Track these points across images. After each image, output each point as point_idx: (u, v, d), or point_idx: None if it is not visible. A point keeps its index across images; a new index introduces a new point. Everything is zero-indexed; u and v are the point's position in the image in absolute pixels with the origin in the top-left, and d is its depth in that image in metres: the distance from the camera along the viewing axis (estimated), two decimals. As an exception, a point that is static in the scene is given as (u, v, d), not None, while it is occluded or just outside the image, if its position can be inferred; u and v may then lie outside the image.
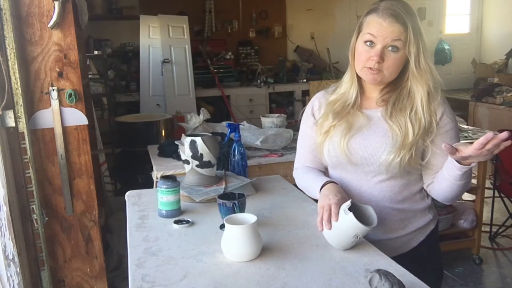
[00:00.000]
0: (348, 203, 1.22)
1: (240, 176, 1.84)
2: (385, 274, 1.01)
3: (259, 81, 5.88)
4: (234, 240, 1.19)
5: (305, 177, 1.52)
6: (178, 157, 2.36)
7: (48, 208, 2.10)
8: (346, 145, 1.40)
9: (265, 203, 1.64)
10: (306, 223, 1.44)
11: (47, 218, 2.09)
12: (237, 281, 1.11)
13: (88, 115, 2.19)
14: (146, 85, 5.26)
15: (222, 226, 1.40)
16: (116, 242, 2.97)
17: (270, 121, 3.00)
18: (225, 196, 1.43)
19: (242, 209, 1.39)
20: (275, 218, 1.50)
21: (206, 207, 1.61)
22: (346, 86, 1.46)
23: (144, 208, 1.62)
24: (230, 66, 5.95)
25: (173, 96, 5.25)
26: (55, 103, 2.03)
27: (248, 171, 1.94)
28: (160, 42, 5.22)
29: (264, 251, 1.24)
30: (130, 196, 1.76)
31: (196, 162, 1.70)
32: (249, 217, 1.24)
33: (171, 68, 5.25)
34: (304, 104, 2.22)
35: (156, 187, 1.63)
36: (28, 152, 1.98)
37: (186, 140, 1.70)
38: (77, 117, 2.08)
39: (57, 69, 2.02)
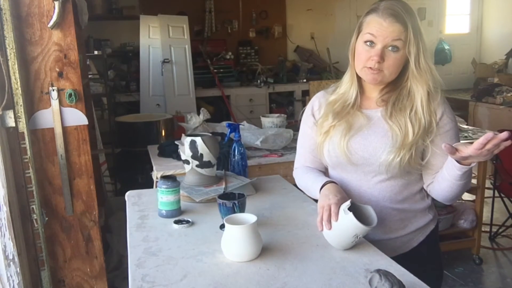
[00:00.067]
0: (348, 203, 1.22)
1: (240, 176, 1.84)
2: (385, 274, 1.01)
3: (259, 81, 5.88)
4: (234, 240, 1.19)
5: (305, 177, 1.52)
6: (178, 157, 2.36)
7: (48, 208, 2.10)
8: (346, 145, 1.40)
9: (265, 203, 1.64)
10: (306, 223, 1.44)
11: (47, 218, 2.09)
12: (237, 281, 1.11)
13: (88, 115, 2.19)
14: (146, 85, 5.26)
15: (222, 226, 1.40)
16: (116, 242, 2.97)
17: (270, 121, 3.00)
18: (225, 196, 1.43)
19: (242, 209, 1.39)
20: (275, 218, 1.50)
21: (206, 207, 1.61)
22: (346, 86, 1.46)
23: (144, 208, 1.62)
24: (230, 66, 5.95)
25: (173, 96, 5.26)
26: (55, 103, 2.03)
27: (248, 171, 1.94)
28: (160, 42, 5.22)
29: (264, 251, 1.24)
30: (130, 196, 1.76)
31: (196, 162, 1.70)
32: (249, 217, 1.24)
33: (171, 68, 5.25)
34: (304, 104, 2.22)
35: (156, 187, 1.63)
36: (28, 152, 1.98)
37: (186, 140, 1.70)
38: (77, 117, 2.08)
39: (57, 69, 2.02)
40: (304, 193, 1.62)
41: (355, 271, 1.14)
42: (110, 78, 5.21)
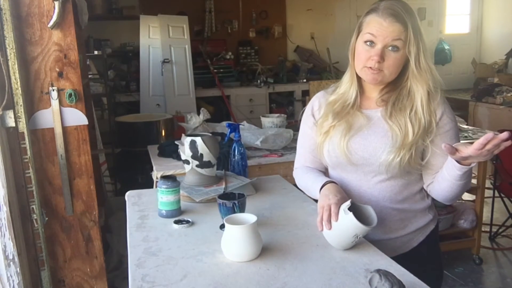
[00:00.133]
0: (348, 203, 1.22)
1: (240, 176, 1.84)
2: (385, 274, 1.01)
3: (259, 81, 5.88)
4: (234, 240, 1.19)
5: (305, 177, 1.52)
6: (178, 157, 2.36)
7: (48, 208, 2.10)
8: (346, 145, 1.40)
9: (265, 203, 1.64)
10: (306, 223, 1.44)
11: (47, 218, 2.09)
12: (237, 281, 1.11)
13: (88, 115, 2.19)
14: (146, 85, 5.26)
15: (222, 226, 1.40)
16: (116, 242, 2.97)
17: (270, 121, 3.00)
18: (225, 196, 1.43)
19: (242, 209, 1.39)
20: (275, 218, 1.50)
21: (206, 207, 1.61)
22: (345, 86, 1.46)
23: (144, 208, 1.62)
24: (230, 66, 5.95)
25: (173, 96, 5.26)
26: (55, 103, 2.03)
27: (248, 171, 1.94)
28: (160, 42, 5.22)
29: (264, 251, 1.24)
30: (130, 196, 1.76)
31: (196, 162, 1.70)
32: (249, 217, 1.24)
33: (171, 68, 5.25)
34: (304, 104, 2.22)
35: (156, 187, 1.63)
36: (28, 152, 1.98)
37: (186, 140, 1.70)
38: (77, 117, 2.08)
39: (57, 69, 2.02)
40: (304, 193, 1.62)
41: (355, 271, 1.14)
42: (110, 78, 5.21)
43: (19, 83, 1.90)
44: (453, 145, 1.18)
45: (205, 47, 5.96)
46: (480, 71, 6.58)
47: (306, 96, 5.56)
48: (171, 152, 2.55)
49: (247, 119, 3.81)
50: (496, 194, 3.53)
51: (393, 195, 1.42)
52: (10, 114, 1.93)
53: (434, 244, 1.54)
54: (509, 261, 3.31)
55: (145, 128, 3.85)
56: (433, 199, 1.48)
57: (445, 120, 1.37)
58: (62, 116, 2.05)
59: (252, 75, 6.06)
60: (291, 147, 2.68)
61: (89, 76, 4.15)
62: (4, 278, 1.90)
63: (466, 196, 3.56)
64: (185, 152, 1.70)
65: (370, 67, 1.33)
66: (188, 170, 1.73)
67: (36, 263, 2.10)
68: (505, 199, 3.53)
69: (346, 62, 1.46)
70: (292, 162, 1.65)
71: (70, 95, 2.04)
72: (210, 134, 1.78)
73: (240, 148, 1.88)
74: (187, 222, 1.45)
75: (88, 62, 4.27)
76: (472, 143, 1.15)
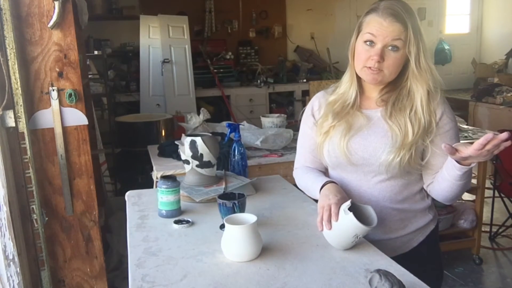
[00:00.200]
0: (348, 203, 1.22)
1: (240, 176, 1.84)
2: (385, 274, 1.01)
3: (259, 81, 5.88)
4: (234, 240, 1.19)
5: (305, 177, 1.52)
6: (178, 157, 2.36)
7: (48, 208, 2.10)
8: (346, 146, 1.40)
9: (265, 203, 1.64)
10: (306, 223, 1.44)
11: (47, 218, 2.09)
12: (237, 281, 1.11)
13: (88, 115, 2.19)
14: (146, 85, 5.26)
15: (222, 226, 1.40)
16: (116, 242, 2.97)
17: (270, 121, 3.00)
18: (225, 196, 1.43)
19: (242, 209, 1.39)
20: (275, 218, 1.50)
21: (206, 207, 1.61)
22: (345, 86, 1.45)
23: (144, 208, 1.62)
24: (230, 66, 5.95)
25: (173, 96, 5.26)
26: (55, 103, 2.03)
27: (248, 171, 1.94)
28: (160, 42, 5.22)
29: (264, 251, 1.24)
30: (130, 196, 1.76)
31: (196, 162, 1.70)
32: (249, 217, 1.24)
33: (171, 68, 5.25)
34: (304, 104, 2.22)
35: (156, 187, 1.63)
36: (28, 152, 1.98)
37: (186, 140, 1.70)
38: (77, 117, 2.08)
39: (57, 69, 2.02)
40: (304, 193, 1.62)
41: (355, 271, 1.14)
42: (110, 78, 5.21)
43: (19, 83, 1.91)
44: (453, 145, 1.18)
45: (205, 47, 5.96)
46: (480, 71, 6.59)
47: (306, 96, 5.57)
48: (171, 152, 2.55)
49: (247, 119, 3.81)
50: (496, 194, 3.53)
51: (393, 195, 1.42)
52: (10, 114, 1.93)
53: (434, 244, 1.54)
54: (509, 261, 3.31)
55: (145, 128, 3.86)
56: (433, 199, 1.48)
57: (445, 120, 1.37)
58: (62, 116, 2.05)
59: (252, 75, 6.06)
60: (291, 147, 2.68)
61: (89, 76, 4.15)
62: (4, 278, 1.90)
63: (466, 196, 3.56)
64: (185, 152, 1.70)
65: (370, 67, 1.33)
66: (188, 170, 1.73)
67: (36, 263, 2.10)
68: (505, 199, 3.53)
69: (346, 62, 1.46)
70: (292, 162, 1.65)
71: (70, 95, 2.04)
72: (210, 134, 1.78)
73: (240, 148, 1.88)
74: (187, 222, 1.45)
75: (88, 62, 4.27)
76: (472, 143, 1.15)
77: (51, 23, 1.95)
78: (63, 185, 2.10)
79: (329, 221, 1.23)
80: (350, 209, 1.19)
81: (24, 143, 1.97)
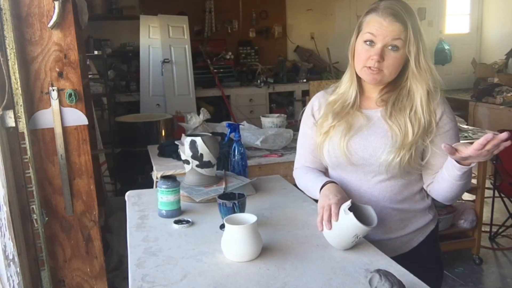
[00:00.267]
0: (348, 203, 1.22)
1: (240, 176, 1.84)
2: (385, 274, 1.01)
3: (259, 81, 5.88)
4: (234, 240, 1.19)
5: (305, 177, 1.52)
6: (178, 157, 2.36)
7: (48, 208, 2.10)
8: (346, 146, 1.40)
9: (265, 203, 1.64)
10: (306, 223, 1.44)
11: (47, 218, 2.09)
12: (237, 281, 1.11)
13: (88, 115, 2.19)
14: (146, 85, 5.26)
15: (222, 226, 1.40)
16: (116, 242, 2.97)
17: (270, 121, 3.00)
18: (225, 196, 1.43)
19: (242, 209, 1.39)
20: (275, 218, 1.50)
21: (206, 207, 1.61)
22: (345, 86, 1.45)
23: (144, 208, 1.62)
24: (230, 66, 5.95)
25: (173, 96, 5.26)
26: (55, 103, 2.03)
27: (248, 171, 1.94)
28: (160, 42, 5.22)
29: (264, 251, 1.24)
30: (130, 196, 1.76)
31: (196, 162, 1.70)
32: (249, 217, 1.24)
33: (171, 68, 5.25)
34: (304, 104, 2.22)
35: (156, 187, 1.63)
36: (28, 152, 1.98)
37: (186, 140, 1.70)
38: (77, 117, 2.08)
39: (57, 69, 2.02)
40: (304, 193, 1.62)
41: (355, 271, 1.14)
42: (110, 78, 5.21)
43: (19, 83, 1.91)
44: (452, 145, 1.18)
45: (205, 47, 5.96)
46: (480, 71, 6.59)
47: (306, 96, 5.56)
48: (171, 152, 2.55)
49: (247, 119, 3.81)
50: (496, 194, 3.53)
51: (393, 195, 1.42)
52: (10, 114, 1.93)
53: (434, 244, 1.54)
54: (509, 261, 3.31)
55: (145, 128, 3.86)
56: (433, 199, 1.48)
57: (445, 120, 1.37)
58: (62, 116, 2.05)
59: (252, 75, 6.06)
60: (291, 147, 2.68)
61: (89, 76, 4.15)
62: (4, 278, 1.90)
63: (466, 196, 3.56)
64: (185, 152, 1.70)
65: (370, 67, 1.33)
66: (188, 170, 1.73)
67: (36, 263, 2.10)
68: (505, 199, 3.53)
69: (346, 62, 1.46)
70: (292, 162, 1.65)
71: (70, 95, 2.04)
72: (210, 134, 1.78)
73: (240, 148, 1.88)
74: (187, 222, 1.45)
75: (88, 62, 4.27)
76: (472, 143, 1.15)
77: (51, 23, 1.95)
78: (63, 185, 2.10)
79: (329, 221, 1.23)
80: (350, 209, 1.19)
81: (24, 143, 1.97)
